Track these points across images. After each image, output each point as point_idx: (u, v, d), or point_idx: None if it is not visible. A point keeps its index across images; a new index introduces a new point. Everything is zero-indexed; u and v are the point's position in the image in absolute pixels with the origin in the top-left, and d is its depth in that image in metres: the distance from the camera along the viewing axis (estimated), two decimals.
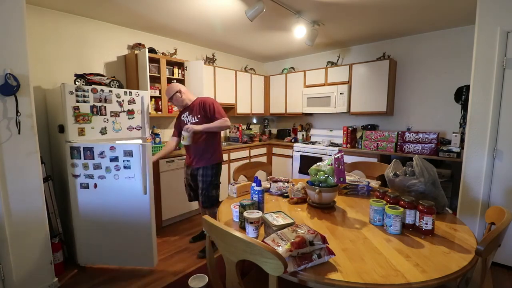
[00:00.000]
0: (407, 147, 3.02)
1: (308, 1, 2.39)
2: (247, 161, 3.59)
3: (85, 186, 2.04)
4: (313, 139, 4.42)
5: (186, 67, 3.36)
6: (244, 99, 4.21)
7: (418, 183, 1.44)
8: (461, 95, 2.98)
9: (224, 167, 3.59)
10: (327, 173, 1.55)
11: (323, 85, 3.86)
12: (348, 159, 3.30)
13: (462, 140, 2.76)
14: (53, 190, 2.24)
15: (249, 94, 4.30)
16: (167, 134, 3.53)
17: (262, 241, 1.02)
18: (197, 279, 1.89)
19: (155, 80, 3.12)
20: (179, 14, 2.69)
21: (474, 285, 1.04)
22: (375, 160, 3.18)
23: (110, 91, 2.24)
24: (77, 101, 2.06)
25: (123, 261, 2.11)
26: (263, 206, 1.47)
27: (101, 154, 2.00)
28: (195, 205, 3.15)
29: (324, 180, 1.55)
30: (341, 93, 3.61)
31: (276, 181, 1.90)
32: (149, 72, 2.91)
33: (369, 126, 3.60)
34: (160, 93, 3.13)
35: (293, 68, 4.56)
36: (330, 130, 4.18)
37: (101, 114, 2.21)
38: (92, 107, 2.15)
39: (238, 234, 0.91)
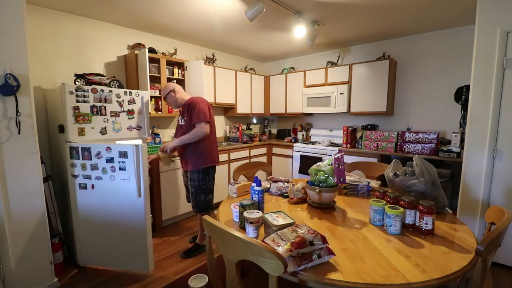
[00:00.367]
0: (407, 147, 3.02)
1: (308, 1, 2.39)
2: (247, 161, 3.59)
3: (84, 187, 2.03)
4: (313, 139, 4.42)
5: (186, 67, 3.36)
6: (244, 99, 4.21)
7: (418, 183, 1.44)
8: (461, 95, 2.98)
9: (224, 167, 3.58)
10: (327, 173, 1.55)
11: (323, 85, 3.86)
12: (348, 159, 3.30)
13: (462, 140, 2.76)
14: (53, 190, 2.24)
15: (249, 94, 4.30)
16: (167, 134, 3.53)
17: (262, 241, 1.02)
18: (197, 279, 1.89)
19: (155, 80, 3.12)
20: (179, 14, 2.69)
21: (474, 285, 1.04)
22: (375, 160, 3.18)
23: (110, 91, 2.24)
24: (77, 101, 2.06)
25: (119, 264, 2.08)
26: (263, 206, 1.47)
27: (98, 155, 1.96)
28: None
29: (324, 180, 1.55)
30: (341, 93, 3.61)
31: (276, 181, 1.90)
32: (149, 72, 2.91)
33: (369, 126, 3.60)
34: (160, 93, 3.13)
35: (293, 68, 4.56)
36: (330, 130, 4.17)
37: (101, 114, 2.20)
38: (92, 107, 2.14)
39: (238, 234, 0.91)
